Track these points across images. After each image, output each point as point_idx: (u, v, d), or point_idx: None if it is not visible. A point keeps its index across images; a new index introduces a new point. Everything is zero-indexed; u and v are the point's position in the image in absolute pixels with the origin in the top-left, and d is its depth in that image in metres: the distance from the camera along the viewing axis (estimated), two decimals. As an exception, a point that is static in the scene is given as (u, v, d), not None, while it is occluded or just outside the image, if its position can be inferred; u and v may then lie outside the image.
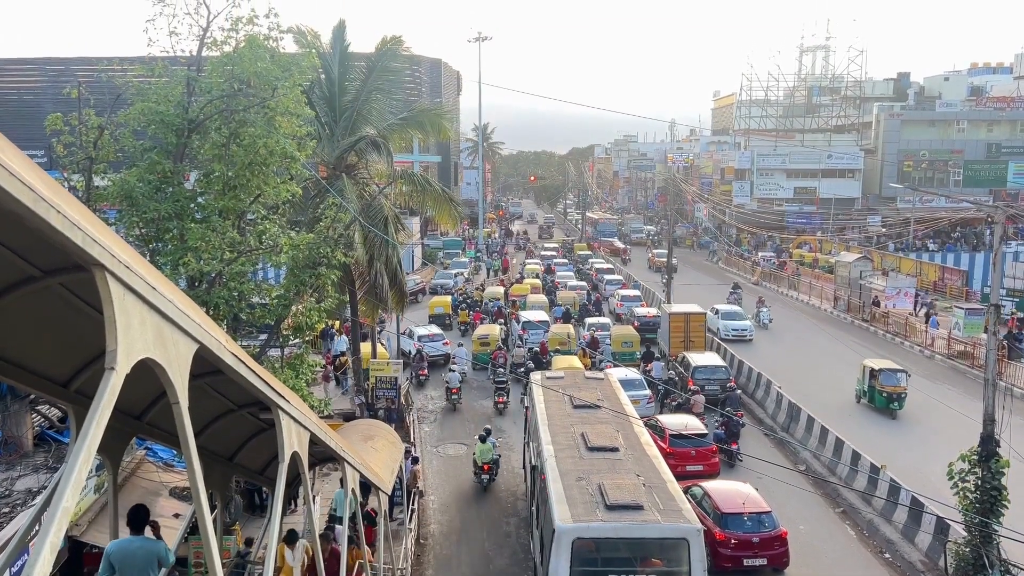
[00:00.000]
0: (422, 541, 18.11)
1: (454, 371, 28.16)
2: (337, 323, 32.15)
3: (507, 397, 27.22)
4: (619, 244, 76.71)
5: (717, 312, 38.59)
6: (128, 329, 3.43)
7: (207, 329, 4.38)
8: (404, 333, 32.41)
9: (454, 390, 27.44)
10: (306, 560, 10.75)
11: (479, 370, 31.60)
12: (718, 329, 37.08)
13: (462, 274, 55.42)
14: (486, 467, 20.79)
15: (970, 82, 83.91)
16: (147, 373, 3.92)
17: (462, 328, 39.20)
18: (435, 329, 34.95)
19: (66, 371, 5.66)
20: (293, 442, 6.26)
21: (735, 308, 40.33)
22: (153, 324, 3.71)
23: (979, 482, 14.15)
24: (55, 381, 5.69)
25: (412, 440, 22.79)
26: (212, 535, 4.38)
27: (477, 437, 21.48)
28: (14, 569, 10.36)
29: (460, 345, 32.77)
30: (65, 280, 4.65)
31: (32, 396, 14.54)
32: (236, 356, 4.87)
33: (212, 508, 10.69)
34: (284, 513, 13.27)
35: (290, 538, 10.51)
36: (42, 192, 2.78)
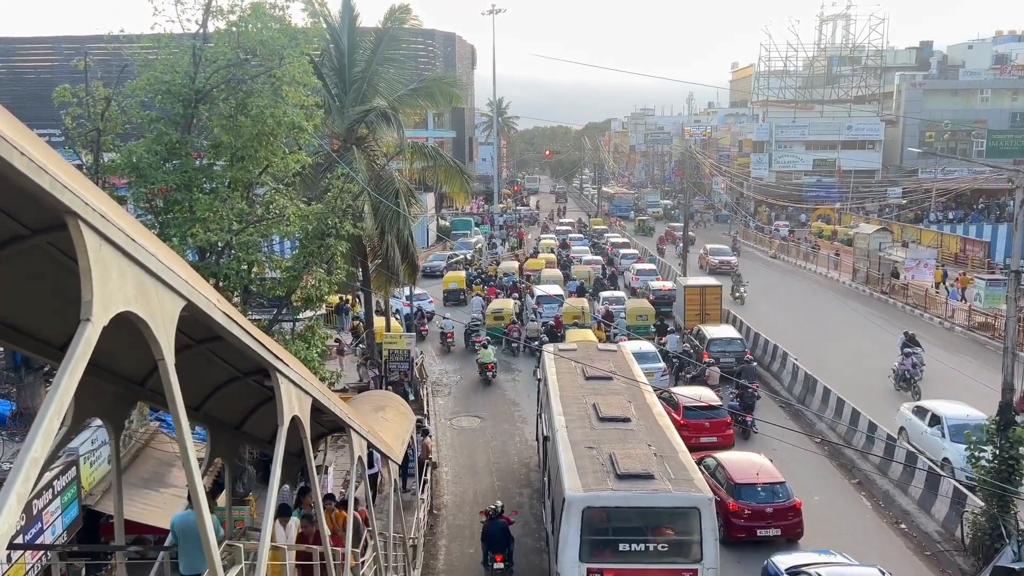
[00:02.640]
0: (436, 512, 18.20)
1: (448, 319, 32.48)
2: (351, 297, 32.33)
3: (483, 336, 30.35)
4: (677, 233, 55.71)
5: (936, 423, 19.46)
6: (105, 281, 3.35)
7: (195, 286, 4.29)
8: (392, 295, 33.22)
9: (448, 335, 31.95)
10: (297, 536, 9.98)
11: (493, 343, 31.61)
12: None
13: (463, 256, 50.69)
14: (489, 366, 27.33)
15: (995, 50, 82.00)
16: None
17: (477, 303, 39.28)
18: (419, 289, 35.99)
19: (60, 333, 5.61)
20: (293, 406, 6.20)
21: (973, 413, 19.09)
22: (134, 277, 3.62)
23: (996, 451, 13.95)
24: (50, 344, 5.65)
25: (426, 413, 22.86)
26: (203, 498, 4.33)
27: (480, 345, 28.66)
28: (28, 537, 10.48)
29: (476, 296, 36.85)
30: (53, 239, 4.58)
31: (47, 367, 14.66)
32: (227, 315, 4.78)
33: (221, 477, 10.71)
34: (295, 484, 13.34)
35: (281, 512, 9.69)
36: (4, 132, 2.68)
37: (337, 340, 27.82)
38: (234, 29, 13.48)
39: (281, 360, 5.85)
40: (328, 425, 11.28)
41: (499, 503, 15.72)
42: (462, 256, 51.28)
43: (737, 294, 39.34)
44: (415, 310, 32.19)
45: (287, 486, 13.58)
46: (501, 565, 14.83)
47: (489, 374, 27.25)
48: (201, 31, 14.08)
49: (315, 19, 19.30)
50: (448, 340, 31.95)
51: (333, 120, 21.70)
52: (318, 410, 7.43)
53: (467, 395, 26.65)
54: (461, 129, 78.62)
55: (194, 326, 5.30)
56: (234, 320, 4.92)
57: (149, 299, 3.77)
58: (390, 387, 22.22)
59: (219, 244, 13.19)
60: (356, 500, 11.15)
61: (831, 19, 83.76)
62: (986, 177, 55.53)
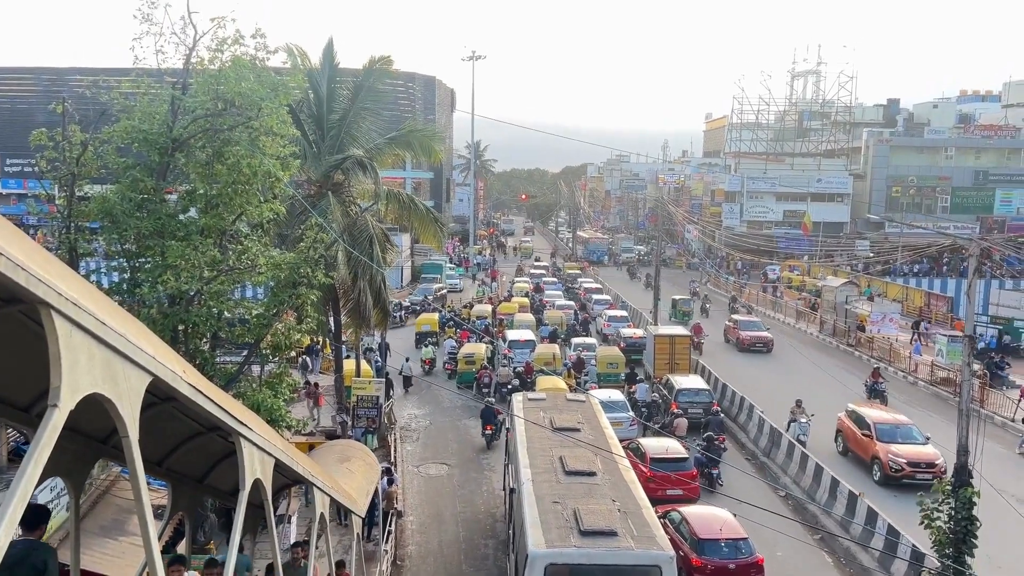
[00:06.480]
0: (399, 563, 18.03)
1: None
2: (323, 338, 32.19)
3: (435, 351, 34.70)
4: (764, 332, 40.84)
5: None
6: (74, 365, 3.47)
7: (161, 360, 4.41)
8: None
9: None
10: None
11: (464, 389, 31.62)
12: None
13: (410, 304, 48.93)
14: (427, 361, 34.70)
15: (959, 109, 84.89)
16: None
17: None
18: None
19: (27, 396, 5.68)
20: (255, 469, 6.27)
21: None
22: (102, 359, 3.74)
23: (952, 512, 14.21)
24: (16, 406, 5.70)
25: (393, 460, 22.73)
26: (159, 564, 4.40)
27: (423, 344, 36.03)
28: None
29: (448, 339, 37.72)
30: (26, 308, 4.68)
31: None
32: (193, 386, 4.90)
33: (183, 525, 10.63)
34: (255, 535, 13.21)
35: (175, 562, 8.29)
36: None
37: (307, 383, 27.67)
38: (212, 83, 13.67)
39: (244, 424, 5.94)
40: (291, 477, 11.26)
41: (492, 399, 25.96)
42: (410, 304, 49.15)
43: None
44: (384, 347, 32.17)
45: (247, 536, 13.45)
46: (489, 432, 24.52)
47: (426, 367, 34.39)
48: (180, 81, 14.29)
49: (295, 67, 19.61)
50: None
51: (309, 166, 21.91)
52: (279, 467, 7.49)
53: (435, 441, 26.55)
54: (439, 170, 79.20)
55: (163, 385, 5.38)
56: (199, 390, 5.03)
57: (116, 379, 3.88)
58: (352, 432, 22.07)
59: (190, 291, 13.23)
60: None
61: (802, 75, 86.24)
62: (944, 238, 56.94)
